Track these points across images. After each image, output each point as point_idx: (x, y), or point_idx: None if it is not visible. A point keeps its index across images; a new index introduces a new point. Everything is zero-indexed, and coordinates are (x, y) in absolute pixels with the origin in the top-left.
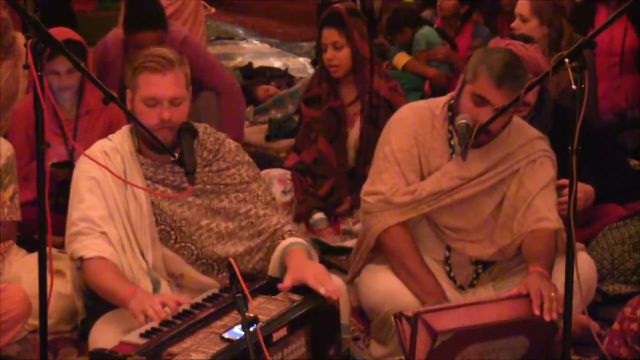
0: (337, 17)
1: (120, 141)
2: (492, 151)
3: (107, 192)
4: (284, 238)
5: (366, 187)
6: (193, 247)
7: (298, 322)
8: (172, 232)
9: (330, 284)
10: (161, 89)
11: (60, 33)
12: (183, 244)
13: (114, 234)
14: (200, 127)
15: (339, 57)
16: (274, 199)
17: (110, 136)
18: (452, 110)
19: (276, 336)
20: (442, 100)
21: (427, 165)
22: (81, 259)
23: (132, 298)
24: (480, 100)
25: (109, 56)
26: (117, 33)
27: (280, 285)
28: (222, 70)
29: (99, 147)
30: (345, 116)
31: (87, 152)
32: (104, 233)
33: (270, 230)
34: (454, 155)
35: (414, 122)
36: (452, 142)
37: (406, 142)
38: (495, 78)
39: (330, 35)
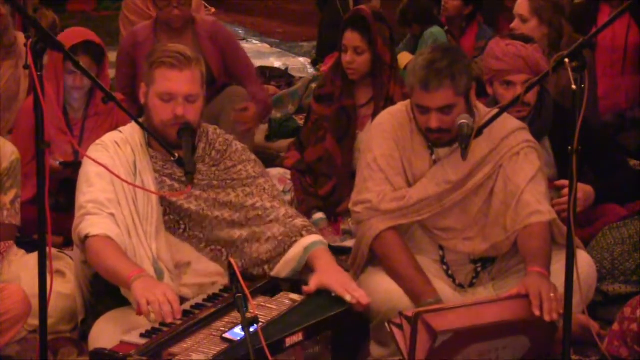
0: (362, 21)
1: (131, 133)
2: (476, 149)
3: (116, 179)
4: (301, 235)
5: (354, 196)
6: (201, 235)
7: (317, 328)
8: (181, 222)
9: (357, 291)
10: (178, 84)
11: (79, 34)
12: (192, 232)
13: (122, 218)
14: (210, 128)
15: (359, 61)
16: (281, 194)
17: (120, 128)
18: None
19: (289, 341)
20: None
21: (410, 169)
22: (86, 236)
23: (137, 279)
24: (421, 109)
25: (139, 37)
26: (143, 23)
27: (305, 288)
28: (248, 58)
29: (110, 138)
30: (356, 117)
31: (97, 142)
32: (112, 214)
33: (281, 223)
34: (433, 156)
35: (393, 127)
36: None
37: (388, 148)
38: (420, 83)
39: (353, 38)
